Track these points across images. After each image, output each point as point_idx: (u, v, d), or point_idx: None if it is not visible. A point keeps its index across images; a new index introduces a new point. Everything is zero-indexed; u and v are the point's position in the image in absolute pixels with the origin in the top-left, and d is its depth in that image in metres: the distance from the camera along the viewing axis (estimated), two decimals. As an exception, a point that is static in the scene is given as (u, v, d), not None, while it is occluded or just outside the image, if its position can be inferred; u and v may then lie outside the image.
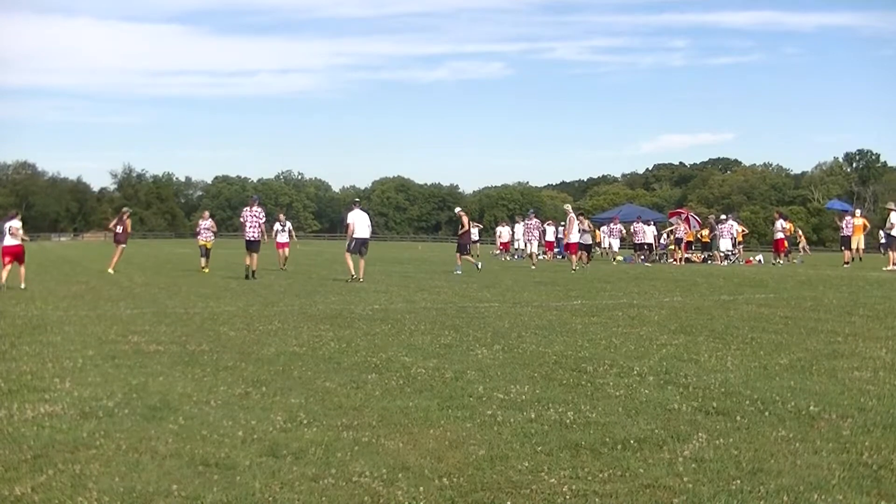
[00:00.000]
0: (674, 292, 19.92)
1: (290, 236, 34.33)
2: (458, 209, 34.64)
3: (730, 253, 39.63)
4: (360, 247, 24.77)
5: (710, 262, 39.68)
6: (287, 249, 33.19)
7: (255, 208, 26.95)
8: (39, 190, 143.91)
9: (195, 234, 34.66)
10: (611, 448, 6.09)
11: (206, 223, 31.55)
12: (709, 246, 41.86)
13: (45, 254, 52.39)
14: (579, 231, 32.81)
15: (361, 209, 25.74)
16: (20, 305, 16.55)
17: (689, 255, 40.71)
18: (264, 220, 27.50)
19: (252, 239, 26.39)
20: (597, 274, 28.84)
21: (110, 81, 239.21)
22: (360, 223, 25.04)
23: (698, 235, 42.66)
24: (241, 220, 27.29)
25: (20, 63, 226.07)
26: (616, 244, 43.83)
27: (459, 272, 28.85)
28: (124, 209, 33.34)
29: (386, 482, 5.35)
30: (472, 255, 34.15)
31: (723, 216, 44.37)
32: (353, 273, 23.96)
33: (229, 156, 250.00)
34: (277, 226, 33.56)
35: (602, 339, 11.73)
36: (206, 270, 29.36)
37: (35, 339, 11.65)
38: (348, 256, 24.54)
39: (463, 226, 31.57)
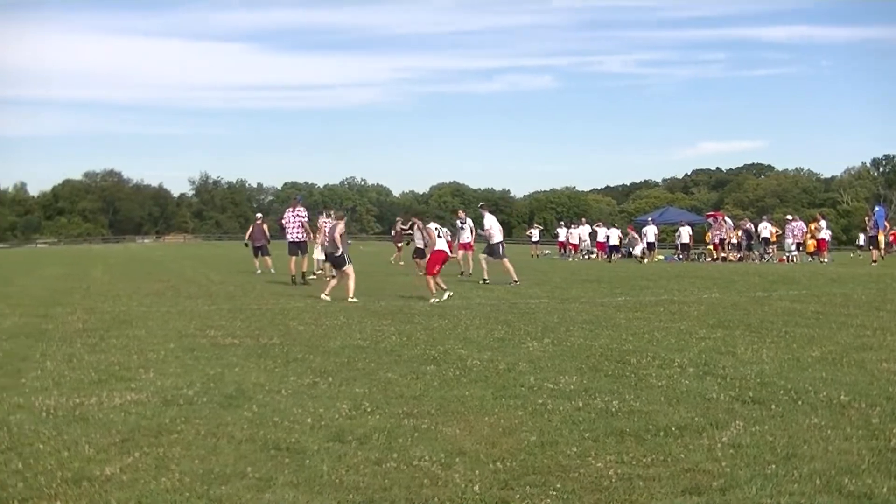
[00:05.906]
0: (712, 289, 19.69)
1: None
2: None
3: (792, 253, 38.97)
4: (504, 250, 22.99)
5: (765, 259, 39.11)
6: (468, 252, 25.32)
7: (297, 209, 24.23)
8: (125, 196, 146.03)
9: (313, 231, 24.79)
10: (653, 435, 6.05)
11: (331, 223, 22.56)
12: (741, 246, 41.25)
13: (130, 254, 53.25)
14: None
15: (490, 211, 23.96)
16: (108, 302, 16.81)
17: (726, 255, 40.32)
18: (307, 220, 24.25)
19: (294, 240, 23.52)
20: (639, 272, 28.60)
21: (187, 96, 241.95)
22: (497, 226, 23.29)
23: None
24: (283, 221, 24.44)
25: (113, 80, 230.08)
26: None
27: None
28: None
29: (444, 466, 5.36)
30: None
31: (788, 216, 43.58)
32: (516, 278, 21.59)
33: (298, 163, 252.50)
34: (458, 222, 25.48)
35: (645, 332, 11.64)
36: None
37: (122, 333, 11.83)
38: (506, 262, 22.32)
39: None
